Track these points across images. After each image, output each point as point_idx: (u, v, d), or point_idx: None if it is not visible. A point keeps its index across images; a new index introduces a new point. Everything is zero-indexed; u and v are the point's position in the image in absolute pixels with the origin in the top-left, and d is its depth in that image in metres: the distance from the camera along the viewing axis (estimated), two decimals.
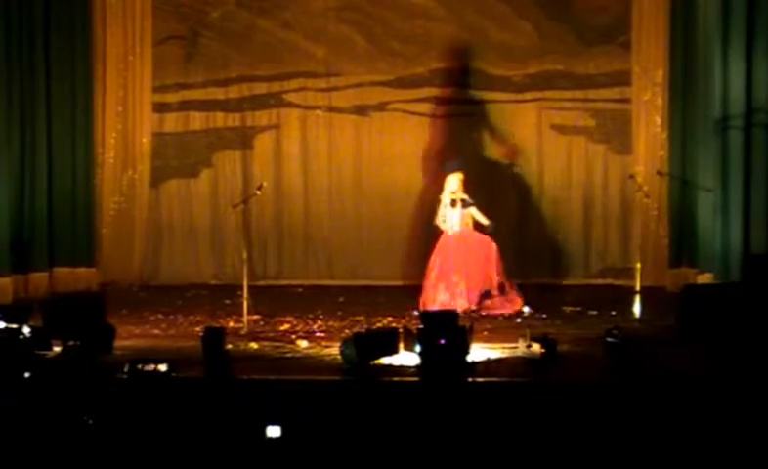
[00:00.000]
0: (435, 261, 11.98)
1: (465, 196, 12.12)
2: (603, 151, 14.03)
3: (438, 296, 11.77)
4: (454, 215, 12.04)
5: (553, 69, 14.03)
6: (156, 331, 11.12)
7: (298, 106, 14.35)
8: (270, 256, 14.37)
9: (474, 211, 12.12)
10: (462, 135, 14.14)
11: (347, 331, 10.59)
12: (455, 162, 12.43)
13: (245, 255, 11.54)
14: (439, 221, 12.09)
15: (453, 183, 12.10)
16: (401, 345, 9.60)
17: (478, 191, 13.93)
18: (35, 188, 13.20)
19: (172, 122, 14.44)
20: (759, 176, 11.30)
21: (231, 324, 11.17)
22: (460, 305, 11.45)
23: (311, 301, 12.77)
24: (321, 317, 11.68)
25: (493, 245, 11.89)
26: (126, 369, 8.63)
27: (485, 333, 10.49)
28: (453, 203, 12.04)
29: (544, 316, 11.61)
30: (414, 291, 12.09)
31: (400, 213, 14.09)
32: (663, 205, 13.41)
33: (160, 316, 11.88)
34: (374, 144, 14.28)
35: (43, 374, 8.80)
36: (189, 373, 8.79)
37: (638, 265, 11.57)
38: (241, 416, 7.91)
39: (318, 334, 10.77)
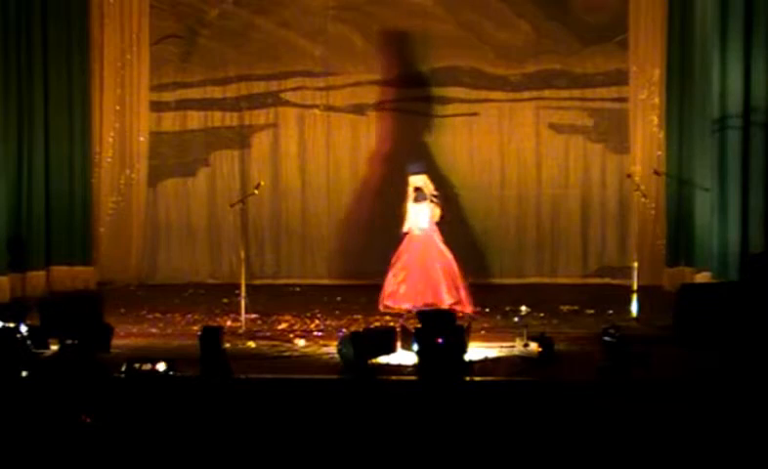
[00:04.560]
0: (399, 258, 11.93)
1: (435, 193, 11.99)
2: (600, 150, 14.03)
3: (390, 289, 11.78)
4: (422, 212, 11.93)
5: (551, 68, 14.03)
6: (154, 330, 11.12)
7: (296, 104, 14.34)
8: (267, 255, 14.37)
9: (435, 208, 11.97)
10: (460, 134, 14.14)
11: (345, 330, 10.61)
12: (418, 164, 12.28)
13: (243, 254, 11.56)
14: (406, 228, 11.96)
15: (420, 182, 11.99)
16: (398, 344, 9.61)
17: (475, 190, 13.98)
18: (33, 186, 13.20)
19: (170, 121, 14.43)
20: (757, 175, 11.31)
21: (228, 323, 11.18)
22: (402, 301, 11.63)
23: (308, 300, 12.77)
24: (319, 315, 11.68)
25: (453, 266, 11.77)
26: (124, 368, 8.64)
27: (482, 332, 10.51)
28: (417, 199, 11.88)
29: (541, 314, 11.61)
30: None
31: (397, 212, 14.08)
32: (661, 204, 13.41)
33: (158, 314, 11.88)
34: (372, 142, 14.27)
35: (40, 373, 8.80)
36: (186, 372, 8.80)
37: (635, 264, 11.61)
38: (239, 415, 7.91)
39: (315, 333, 10.78)
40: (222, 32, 14.33)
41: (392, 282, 11.82)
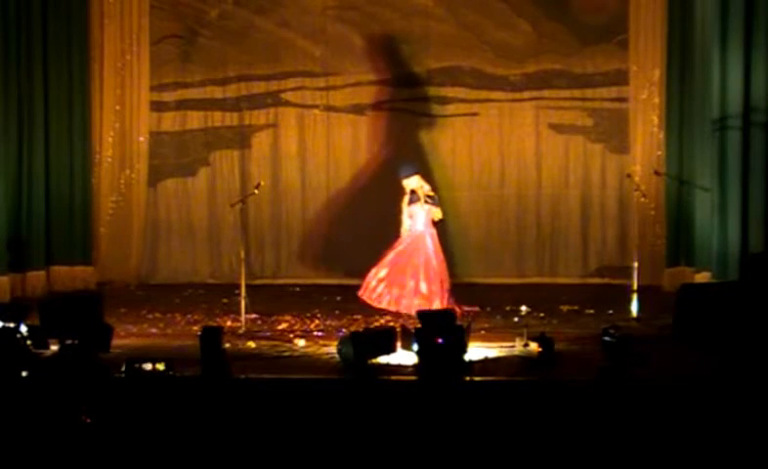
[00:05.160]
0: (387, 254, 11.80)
1: (430, 193, 11.86)
2: (600, 151, 14.02)
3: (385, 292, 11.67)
4: (418, 214, 11.79)
5: (551, 68, 14.02)
6: (154, 330, 11.12)
7: (296, 105, 14.33)
8: (267, 255, 14.36)
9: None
10: (460, 134, 14.14)
11: (345, 330, 10.61)
12: (409, 166, 12.12)
13: (243, 254, 11.56)
14: (403, 232, 11.79)
15: (413, 183, 11.84)
16: (398, 344, 9.61)
17: (475, 190, 13.96)
18: (33, 187, 13.20)
19: (170, 121, 14.42)
20: (757, 175, 11.32)
21: (228, 323, 11.18)
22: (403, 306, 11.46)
23: (308, 300, 12.77)
24: (319, 316, 11.68)
25: (438, 275, 11.57)
26: (124, 368, 8.64)
27: (482, 332, 10.50)
28: (411, 201, 11.74)
29: (541, 314, 11.61)
30: None
31: (396, 212, 14.07)
32: (661, 204, 13.41)
33: (158, 315, 11.87)
34: (371, 143, 14.26)
35: (40, 373, 8.80)
36: (186, 372, 8.80)
37: (635, 264, 11.59)
38: (239, 415, 7.91)
39: (315, 333, 10.77)
40: (222, 32, 14.33)
41: (372, 276, 11.79)
